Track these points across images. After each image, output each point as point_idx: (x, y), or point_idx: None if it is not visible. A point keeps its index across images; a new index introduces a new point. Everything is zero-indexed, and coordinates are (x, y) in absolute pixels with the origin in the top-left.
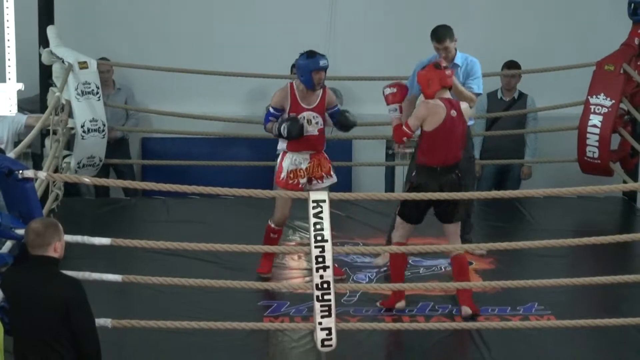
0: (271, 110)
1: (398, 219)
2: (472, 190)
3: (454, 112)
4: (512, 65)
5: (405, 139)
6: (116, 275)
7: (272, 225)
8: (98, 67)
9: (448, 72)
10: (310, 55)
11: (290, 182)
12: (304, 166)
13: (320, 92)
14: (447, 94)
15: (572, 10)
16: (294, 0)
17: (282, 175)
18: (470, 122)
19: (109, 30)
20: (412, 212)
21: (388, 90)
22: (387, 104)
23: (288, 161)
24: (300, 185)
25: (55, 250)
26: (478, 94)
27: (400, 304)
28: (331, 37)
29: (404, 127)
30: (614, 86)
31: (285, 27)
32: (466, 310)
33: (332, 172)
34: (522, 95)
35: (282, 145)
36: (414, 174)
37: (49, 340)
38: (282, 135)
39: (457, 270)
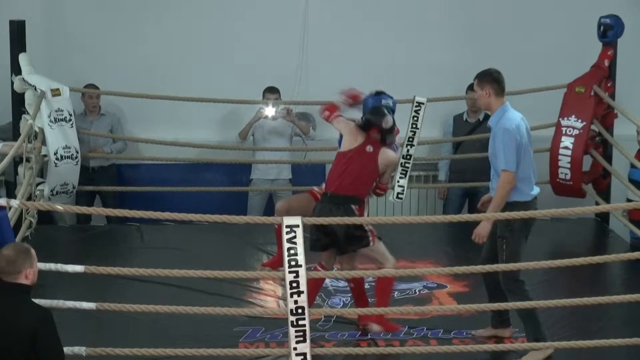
0: None
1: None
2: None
3: (370, 148)
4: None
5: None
6: (90, 303)
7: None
8: (85, 94)
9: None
10: None
11: None
12: None
13: None
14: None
15: (542, 32)
16: (265, 26)
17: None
18: None
19: (80, 57)
20: None
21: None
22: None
23: None
24: None
25: (26, 277)
26: (503, 170)
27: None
28: (303, 62)
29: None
30: (585, 108)
31: (256, 54)
32: None
33: None
34: (487, 117)
35: None
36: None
37: None
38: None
39: None
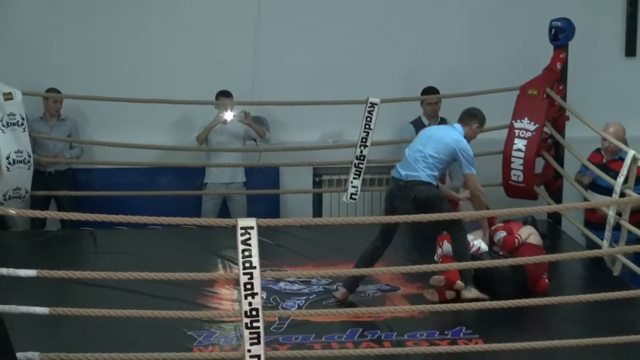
0: None
1: None
2: None
3: None
4: (431, 91)
5: None
6: (43, 308)
7: None
8: (47, 98)
9: None
10: None
11: None
12: None
13: None
14: None
15: (494, 35)
16: (219, 27)
17: None
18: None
19: (33, 61)
20: None
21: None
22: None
23: None
24: None
25: None
26: None
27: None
28: (256, 63)
29: None
30: (537, 110)
31: (211, 54)
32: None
33: None
34: (442, 121)
35: None
36: None
37: None
38: None
39: None
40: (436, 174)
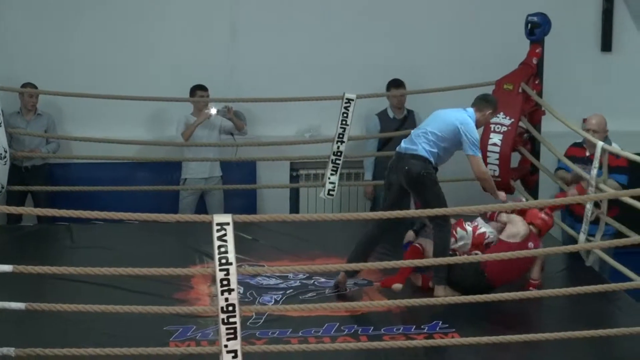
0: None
1: None
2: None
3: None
4: (396, 83)
5: None
6: (19, 303)
7: None
8: (23, 93)
9: None
10: None
11: None
12: None
13: None
14: None
15: (470, 29)
16: (195, 24)
17: None
18: None
19: (9, 56)
20: None
21: None
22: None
23: None
24: None
25: None
26: None
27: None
28: (232, 59)
29: None
30: (513, 105)
31: (186, 51)
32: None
33: None
34: (410, 113)
35: None
36: None
37: None
38: None
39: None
40: (435, 150)
